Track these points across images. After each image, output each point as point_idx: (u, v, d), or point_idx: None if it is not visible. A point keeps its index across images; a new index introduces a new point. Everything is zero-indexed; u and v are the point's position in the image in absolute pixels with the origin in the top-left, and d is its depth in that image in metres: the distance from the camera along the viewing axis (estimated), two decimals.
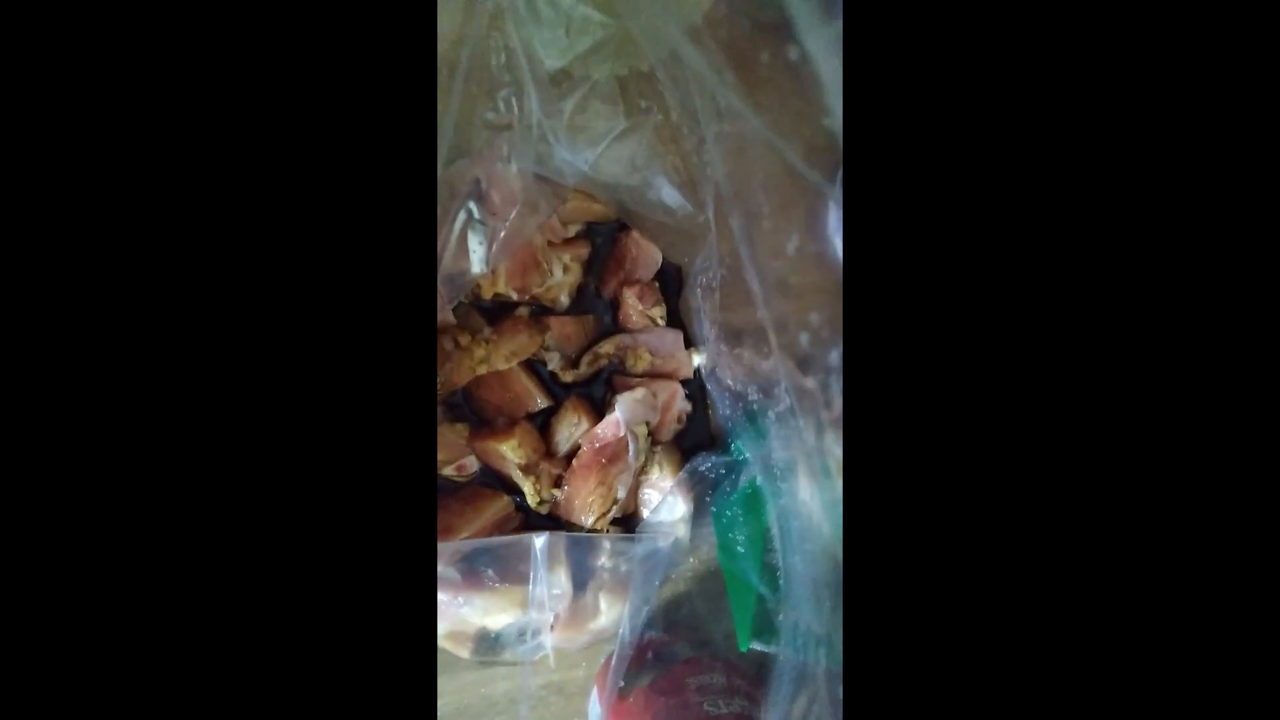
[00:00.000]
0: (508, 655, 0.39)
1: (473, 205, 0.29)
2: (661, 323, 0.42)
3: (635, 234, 0.41)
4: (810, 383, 0.35)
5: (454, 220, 0.29)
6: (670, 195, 0.36)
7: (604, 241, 0.42)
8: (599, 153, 0.29)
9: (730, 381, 0.39)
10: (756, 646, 0.35)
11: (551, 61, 0.25)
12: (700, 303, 0.39)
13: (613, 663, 0.33)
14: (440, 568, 0.36)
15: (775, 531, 0.34)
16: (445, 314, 0.35)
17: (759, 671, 0.37)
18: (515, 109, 0.26)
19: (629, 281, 0.42)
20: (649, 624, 0.35)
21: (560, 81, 0.26)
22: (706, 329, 0.39)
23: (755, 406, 0.36)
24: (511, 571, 0.36)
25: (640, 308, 0.41)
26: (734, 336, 0.37)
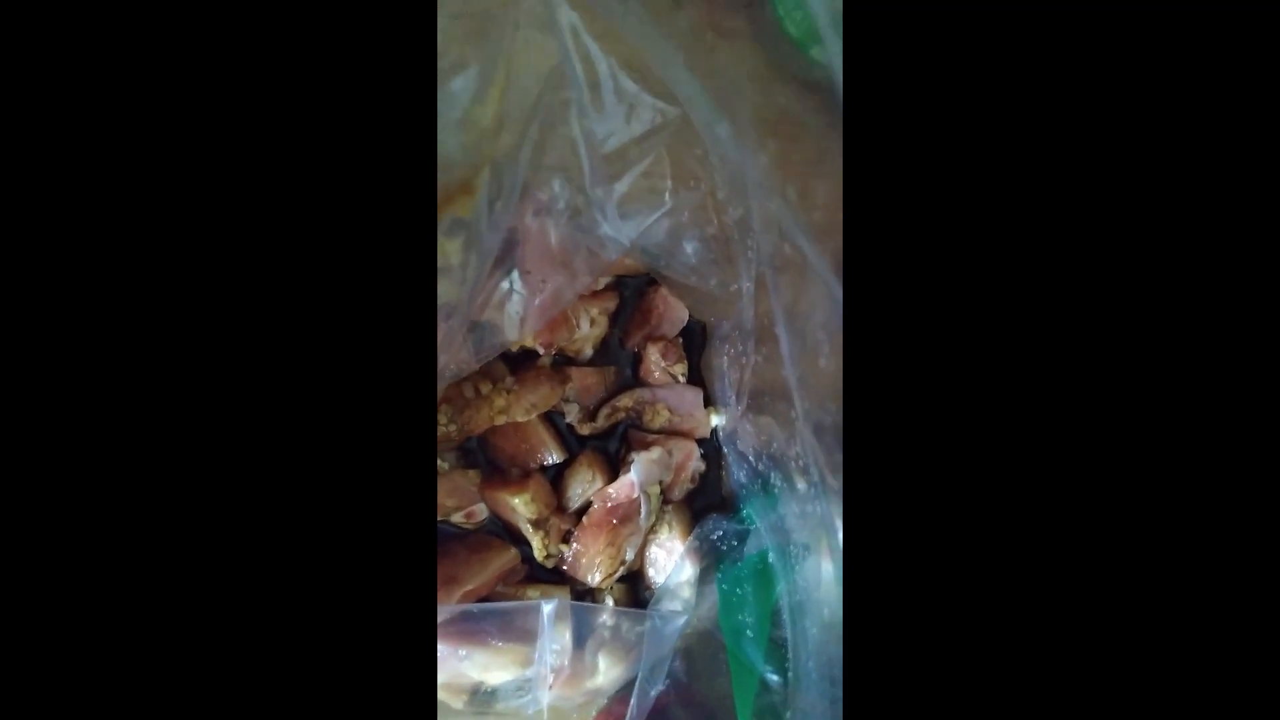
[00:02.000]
0: (501, 708, 0.39)
1: (514, 275, 0.28)
2: (682, 379, 0.42)
3: (664, 290, 0.41)
4: (835, 459, 0.34)
5: (495, 283, 0.29)
6: (704, 261, 0.35)
7: (631, 294, 0.42)
8: (643, 229, 0.29)
9: (748, 449, 0.39)
10: None
11: (610, 143, 0.25)
12: (726, 369, 0.39)
13: None
14: (445, 619, 0.35)
15: (785, 614, 0.34)
16: (472, 366, 0.35)
17: None
18: (567, 189, 0.26)
19: (653, 337, 0.41)
20: (648, 693, 0.35)
21: (614, 161, 0.26)
22: (729, 394, 0.39)
23: (772, 476, 0.35)
24: (515, 630, 0.35)
25: (663, 364, 0.41)
26: (757, 404, 0.37)
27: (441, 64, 0.20)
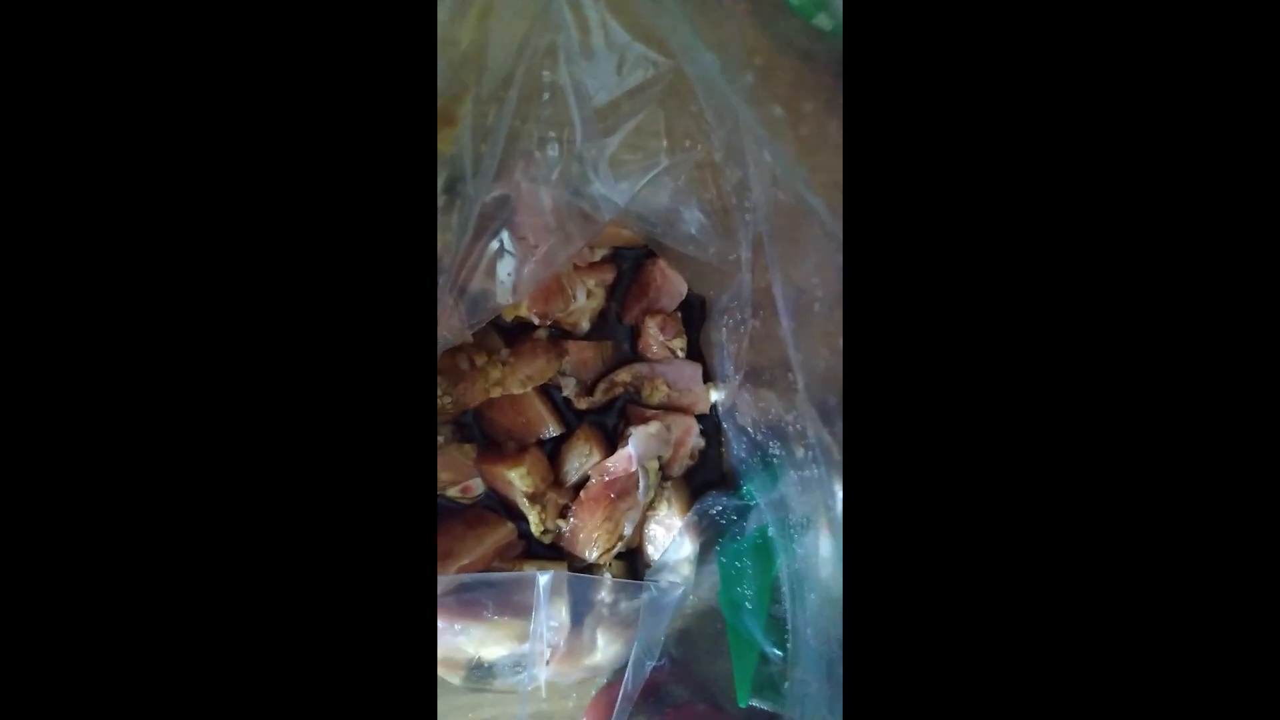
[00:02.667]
0: (499, 684, 0.38)
1: (505, 235, 0.28)
2: (681, 354, 0.41)
3: (662, 263, 0.40)
4: (833, 433, 0.34)
5: (485, 243, 0.28)
6: (703, 230, 0.35)
7: (629, 267, 0.41)
8: (637, 188, 0.28)
9: (748, 423, 0.38)
10: (756, 704, 0.34)
11: (600, 96, 0.24)
12: (725, 341, 0.38)
13: (616, 704, 0.32)
14: (440, 593, 0.35)
15: (784, 587, 0.33)
16: (464, 334, 0.34)
17: None
18: (558, 143, 0.25)
19: (651, 311, 0.41)
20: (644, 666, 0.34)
21: (606, 116, 0.25)
22: (729, 368, 0.38)
23: (772, 451, 0.35)
24: (511, 604, 0.35)
25: (661, 338, 0.40)
26: (758, 378, 0.36)
27: None
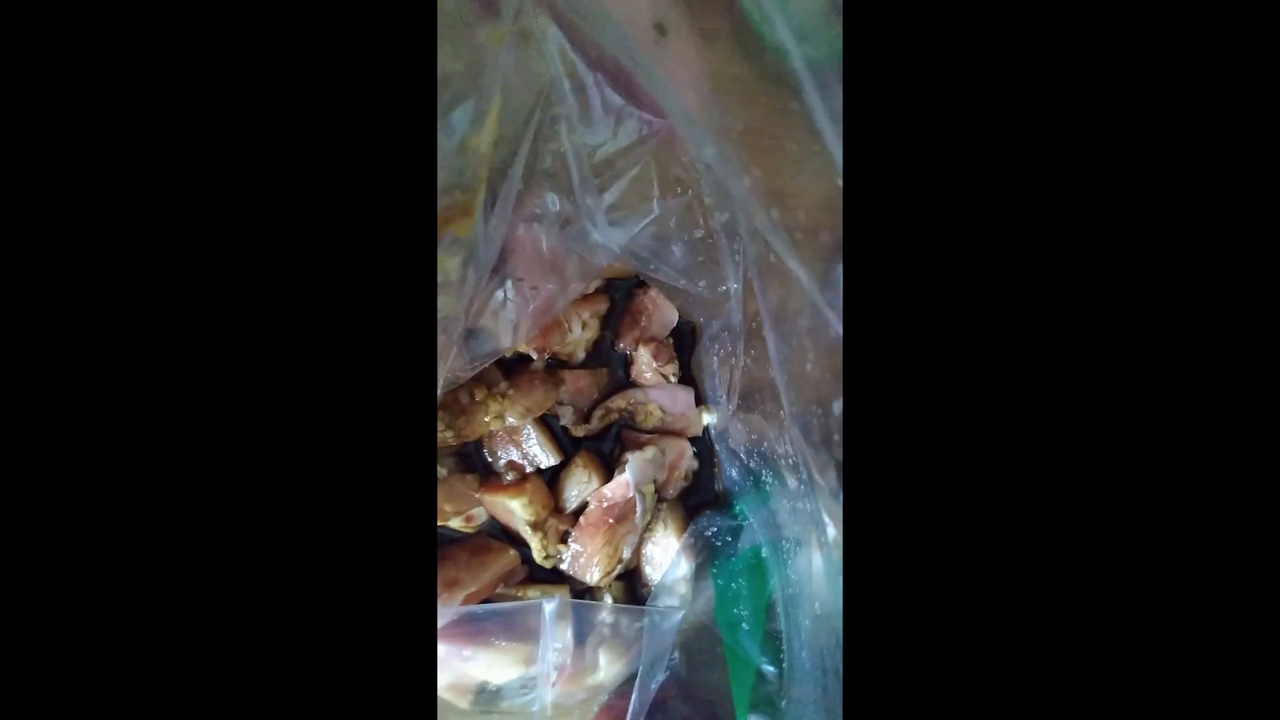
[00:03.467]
0: (505, 706, 0.39)
1: (509, 284, 0.29)
2: (674, 380, 0.43)
3: (653, 292, 0.42)
4: (823, 458, 0.35)
5: (489, 291, 0.30)
6: (693, 265, 0.36)
7: (621, 297, 0.42)
8: (632, 235, 0.30)
9: (740, 448, 0.40)
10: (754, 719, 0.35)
11: (599, 155, 0.26)
12: (716, 367, 0.39)
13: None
14: (448, 621, 0.36)
15: (779, 606, 0.35)
16: (463, 371, 0.35)
17: None
18: (558, 199, 0.26)
19: (644, 339, 0.42)
20: (649, 687, 0.36)
21: (602, 171, 0.27)
22: (721, 394, 0.39)
23: (763, 473, 0.36)
24: (517, 629, 0.36)
25: (654, 365, 0.42)
26: (749, 406, 0.38)
27: (442, 98, 0.21)
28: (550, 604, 0.34)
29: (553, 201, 0.26)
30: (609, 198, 0.27)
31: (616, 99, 0.24)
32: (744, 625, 0.35)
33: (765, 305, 0.27)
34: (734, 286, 0.35)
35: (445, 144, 0.21)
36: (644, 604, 0.40)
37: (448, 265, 0.25)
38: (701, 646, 0.44)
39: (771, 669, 0.36)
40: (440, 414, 0.38)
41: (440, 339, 0.33)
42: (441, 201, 0.22)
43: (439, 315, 0.26)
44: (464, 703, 0.39)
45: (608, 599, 0.40)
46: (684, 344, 0.44)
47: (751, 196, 0.23)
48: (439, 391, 0.36)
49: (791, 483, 0.33)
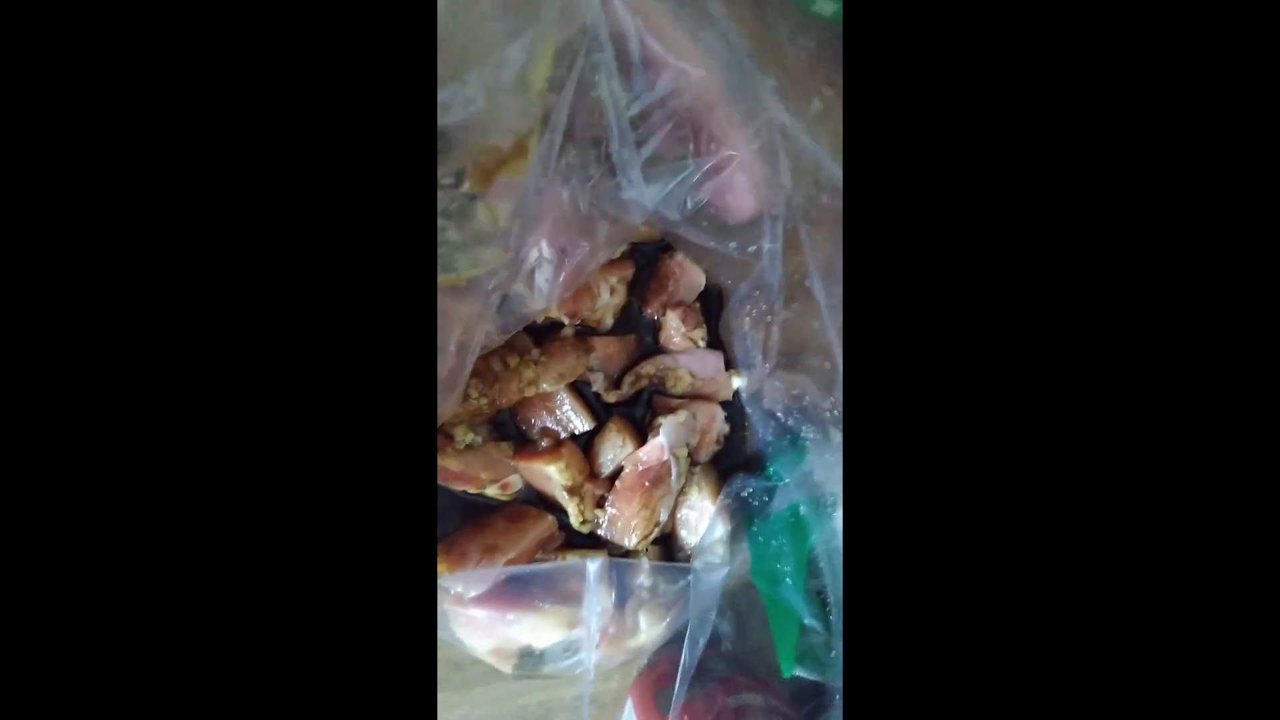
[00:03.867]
0: (548, 670, 0.40)
1: (543, 244, 0.29)
2: (702, 344, 0.43)
3: (679, 256, 0.42)
4: None
5: (524, 252, 0.30)
6: (724, 228, 0.36)
7: (646, 262, 0.42)
8: (666, 190, 0.29)
9: (776, 406, 0.40)
10: (800, 673, 0.36)
11: (634, 107, 0.26)
12: (748, 329, 0.39)
13: (676, 688, 0.34)
14: (490, 585, 0.36)
15: (821, 562, 0.35)
16: (499, 339, 0.35)
17: (798, 695, 0.38)
18: (593, 153, 0.26)
19: (671, 303, 0.42)
20: (698, 643, 0.36)
21: (638, 125, 0.26)
22: (755, 355, 0.39)
23: (803, 430, 0.36)
24: (560, 592, 0.37)
25: (682, 330, 0.42)
26: (791, 364, 0.38)
27: (500, 29, 0.20)
28: (594, 564, 0.34)
29: (589, 155, 0.25)
30: (645, 152, 0.27)
31: (657, 48, 0.24)
32: (786, 579, 0.36)
33: (813, 255, 0.27)
34: (768, 245, 0.35)
35: (501, 78, 0.21)
36: None
37: (497, 212, 0.24)
38: (740, 608, 0.45)
39: (816, 623, 0.36)
40: (473, 382, 0.38)
41: (475, 304, 0.33)
42: (497, 141, 0.22)
43: (482, 269, 0.26)
44: (508, 667, 0.39)
45: (647, 562, 0.40)
46: (711, 308, 0.44)
47: (819, 124, 0.22)
48: (473, 358, 0.36)
49: (836, 436, 0.33)
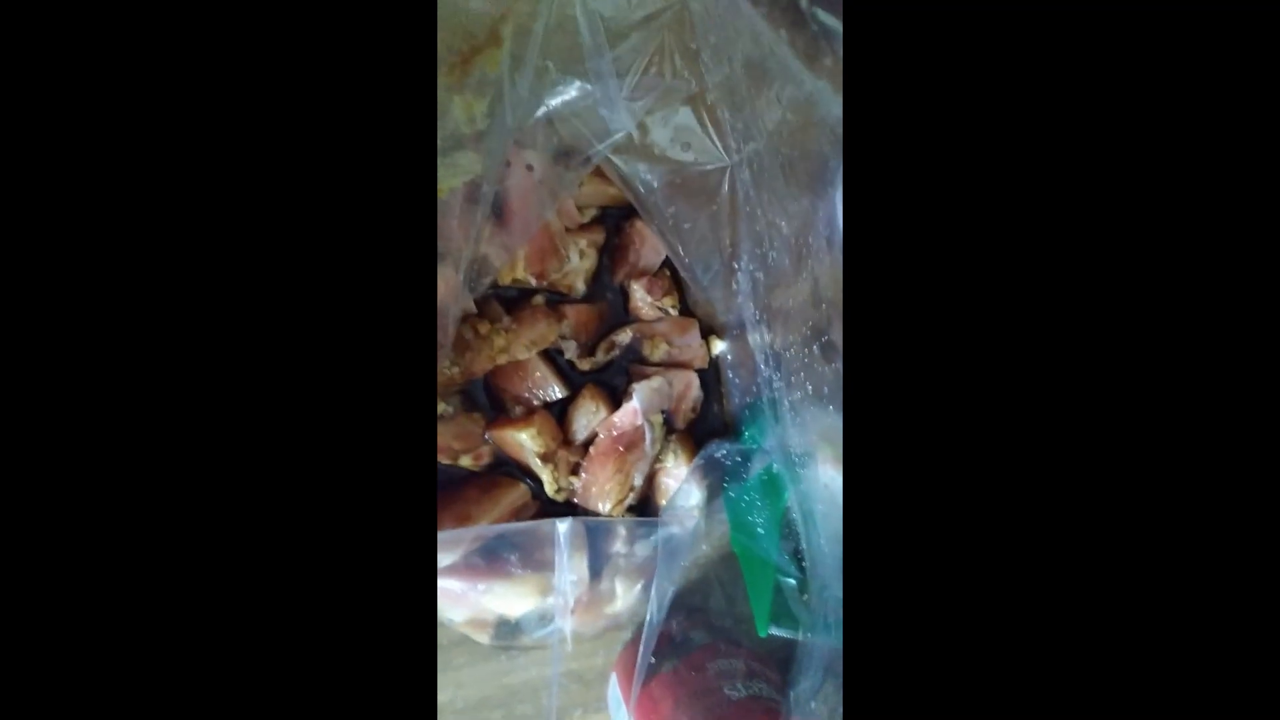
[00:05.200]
0: (526, 640, 0.39)
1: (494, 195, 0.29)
2: (674, 312, 0.43)
3: (639, 223, 0.41)
4: (834, 367, 0.35)
5: (480, 209, 0.29)
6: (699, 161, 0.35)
7: (613, 229, 0.42)
8: (648, 107, 0.29)
9: (748, 369, 0.40)
10: (775, 632, 0.35)
11: (611, 23, 0.25)
12: (718, 294, 0.39)
13: (641, 642, 0.33)
14: (462, 554, 0.36)
15: (796, 516, 0.34)
16: (466, 303, 0.35)
17: (777, 656, 0.37)
18: (572, 73, 0.26)
19: (636, 273, 0.42)
20: (669, 609, 0.36)
21: (617, 42, 0.26)
22: (747, 311, 0.39)
23: (775, 392, 0.36)
24: (532, 559, 0.36)
25: (649, 299, 0.42)
26: (755, 327, 0.38)
27: None
28: (564, 523, 0.33)
29: (567, 74, 0.25)
30: (628, 77, 0.27)
31: None
32: (760, 530, 0.35)
33: (777, 206, 0.26)
34: (727, 191, 0.35)
35: None
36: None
37: (474, 109, 0.24)
38: (718, 578, 0.44)
39: (791, 581, 0.36)
40: (445, 351, 0.38)
41: (449, 271, 0.33)
42: (471, 28, 0.22)
43: (460, 179, 0.25)
44: (484, 638, 0.38)
45: (616, 520, 0.40)
46: (680, 277, 0.43)
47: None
48: (454, 329, 0.36)
49: (803, 384, 0.33)
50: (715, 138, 0.34)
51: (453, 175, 0.25)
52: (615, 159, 0.34)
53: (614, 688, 0.41)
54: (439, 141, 0.23)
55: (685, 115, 0.32)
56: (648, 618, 0.33)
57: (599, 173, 0.37)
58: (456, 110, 0.24)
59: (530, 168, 0.33)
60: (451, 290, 0.34)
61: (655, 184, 0.33)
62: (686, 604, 0.44)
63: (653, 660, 0.38)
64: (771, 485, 0.37)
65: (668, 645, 0.41)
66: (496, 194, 0.29)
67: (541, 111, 0.26)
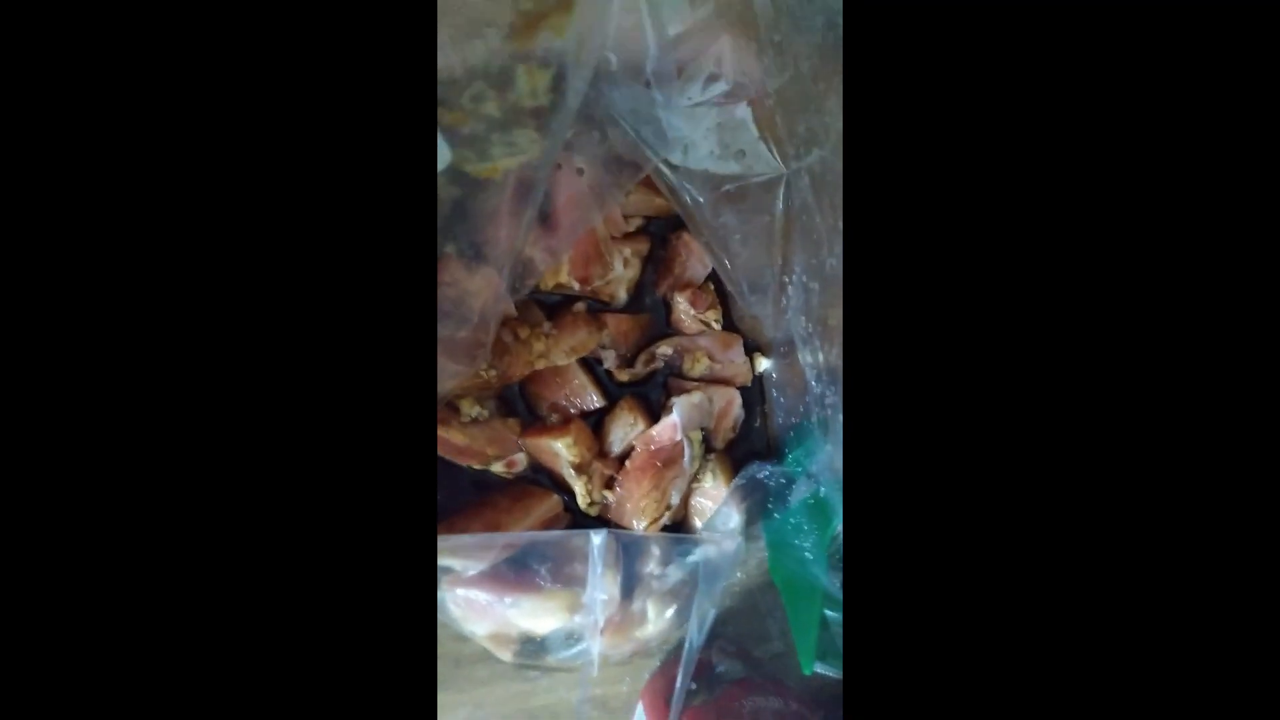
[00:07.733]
0: (550, 660, 0.37)
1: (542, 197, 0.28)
2: (717, 326, 0.41)
3: (686, 235, 0.40)
4: None
5: (527, 210, 0.29)
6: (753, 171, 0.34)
7: (658, 240, 0.41)
8: (700, 105, 0.28)
9: (794, 388, 0.38)
10: (821, 670, 0.33)
11: (672, 28, 0.25)
12: (767, 309, 0.38)
13: (680, 666, 0.32)
14: (490, 563, 0.34)
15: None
16: (507, 306, 0.34)
17: (821, 697, 0.35)
18: (631, 71, 0.25)
19: (679, 285, 0.41)
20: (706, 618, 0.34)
21: (678, 45, 0.25)
22: (773, 334, 0.38)
23: (828, 411, 0.34)
24: (563, 573, 0.34)
25: (692, 312, 0.40)
26: (808, 341, 0.36)
27: None
28: (599, 535, 0.32)
29: (621, 63, 0.24)
30: (682, 69, 0.26)
31: None
32: (808, 555, 0.33)
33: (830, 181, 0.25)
34: (782, 208, 0.34)
35: None
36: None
37: (536, 81, 0.23)
38: (755, 609, 0.42)
39: (836, 615, 0.34)
40: (483, 354, 0.37)
41: (491, 274, 0.32)
42: None
43: (517, 159, 0.24)
44: (507, 655, 0.37)
45: (658, 535, 0.38)
46: (727, 290, 0.42)
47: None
48: (490, 329, 0.35)
49: None
50: (772, 145, 0.33)
51: (508, 154, 0.24)
52: (665, 169, 0.34)
53: (640, 716, 0.39)
54: (498, 114, 0.23)
55: (742, 123, 0.31)
56: (687, 642, 0.31)
57: (647, 182, 0.36)
58: (520, 80, 0.23)
59: (581, 171, 0.32)
60: (494, 292, 0.34)
61: (705, 196, 0.32)
62: (721, 632, 0.42)
63: (692, 686, 0.36)
64: (819, 509, 0.35)
65: (700, 676, 0.38)
66: (545, 194, 0.28)
67: (599, 107, 0.25)
